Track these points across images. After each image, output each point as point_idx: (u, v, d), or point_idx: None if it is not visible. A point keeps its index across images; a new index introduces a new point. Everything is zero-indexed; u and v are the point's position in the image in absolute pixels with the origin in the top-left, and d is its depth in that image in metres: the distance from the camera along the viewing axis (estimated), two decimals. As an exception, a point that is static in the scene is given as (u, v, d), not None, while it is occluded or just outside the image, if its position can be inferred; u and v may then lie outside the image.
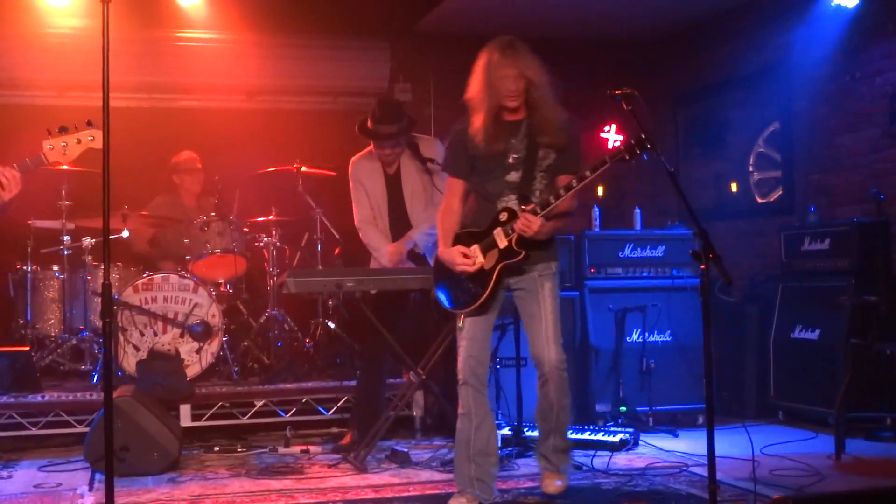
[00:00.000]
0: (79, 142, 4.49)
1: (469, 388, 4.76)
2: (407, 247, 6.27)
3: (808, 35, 7.55)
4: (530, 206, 4.62)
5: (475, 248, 4.70)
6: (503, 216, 4.68)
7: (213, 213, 7.41)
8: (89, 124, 4.47)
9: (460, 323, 4.80)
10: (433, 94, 9.06)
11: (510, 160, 4.71)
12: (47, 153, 4.48)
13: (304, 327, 7.78)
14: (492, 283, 4.68)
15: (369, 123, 6.23)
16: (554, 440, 4.93)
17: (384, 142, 6.21)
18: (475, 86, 4.70)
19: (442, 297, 4.85)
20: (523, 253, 4.68)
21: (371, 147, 6.37)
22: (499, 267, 4.68)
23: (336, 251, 7.97)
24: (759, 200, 8.22)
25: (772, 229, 7.65)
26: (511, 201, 4.72)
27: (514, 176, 4.73)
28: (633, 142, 4.48)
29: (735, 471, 5.33)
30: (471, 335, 4.76)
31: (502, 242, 4.67)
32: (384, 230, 6.38)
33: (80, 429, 6.40)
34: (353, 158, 6.48)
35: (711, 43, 8.71)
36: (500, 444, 5.98)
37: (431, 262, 6.26)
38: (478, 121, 4.68)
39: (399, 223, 6.37)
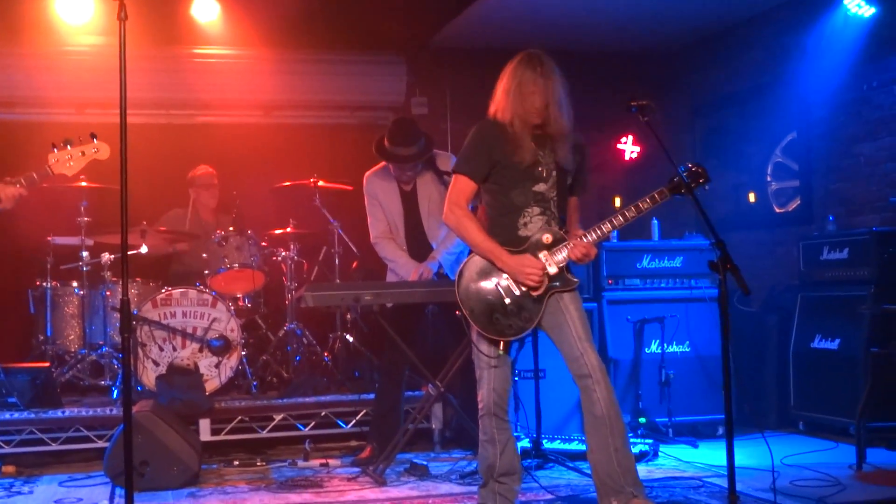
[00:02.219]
0: (83, 154, 4.63)
1: (492, 418, 4.62)
2: (433, 269, 6.23)
3: (825, 44, 7.54)
4: (580, 233, 4.53)
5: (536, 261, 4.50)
6: (548, 239, 4.53)
7: (231, 228, 7.44)
8: (93, 137, 4.60)
9: (500, 350, 4.58)
10: (449, 107, 9.08)
11: (540, 171, 4.56)
12: (52, 166, 4.64)
13: (323, 341, 7.78)
14: (543, 310, 4.52)
15: (386, 143, 6.20)
16: (617, 457, 4.45)
17: (402, 164, 6.20)
18: (502, 98, 4.57)
19: (479, 322, 4.54)
20: (577, 280, 4.59)
21: (385, 162, 6.38)
22: (550, 294, 4.53)
23: (354, 265, 7.99)
24: (778, 210, 8.19)
25: (790, 239, 7.63)
26: (535, 214, 4.57)
27: (541, 187, 4.57)
28: (690, 173, 4.50)
29: (755, 481, 5.31)
30: (494, 365, 4.59)
31: (553, 268, 4.52)
32: (401, 246, 6.39)
33: (101, 444, 6.44)
34: (368, 173, 6.47)
35: (729, 53, 8.71)
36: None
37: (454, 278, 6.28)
38: (510, 130, 4.53)
39: (416, 240, 6.37)
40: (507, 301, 4.53)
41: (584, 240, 4.53)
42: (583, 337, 4.52)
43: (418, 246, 6.37)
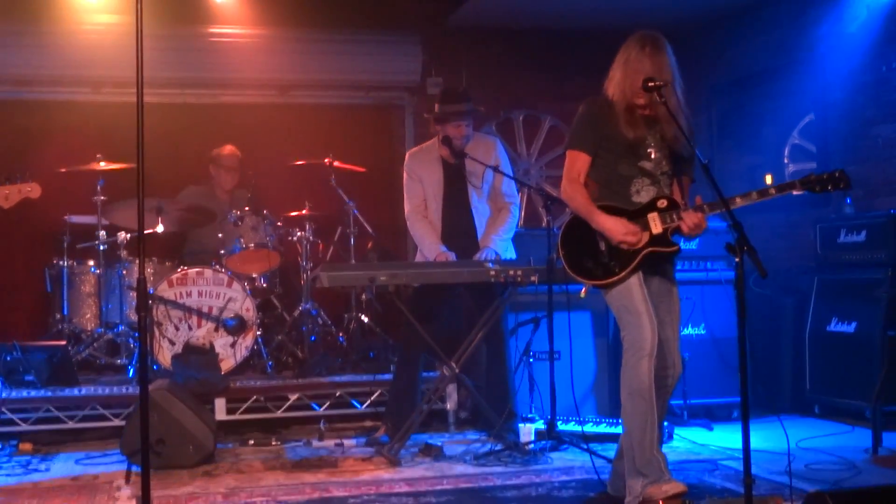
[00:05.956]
0: (20, 192, 5.35)
1: (653, 360, 4.49)
2: (486, 257, 6.19)
3: (843, 25, 7.48)
4: (699, 205, 4.51)
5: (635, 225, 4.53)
6: (662, 203, 4.55)
7: (246, 208, 7.44)
8: (29, 178, 5.34)
9: (582, 294, 4.75)
10: (465, 88, 9.03)
11: (646, 150, 4.59)
12: None
13: (338, 321, 7.80)
14: (633, 265, 4.53)
15: (437, 107, 6.35)
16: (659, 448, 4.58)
17: (459, 119, 6.27)
18: (613, 76, 4.61)
19: (568, 262, 4.62)
20: (677, 247, 4.60)
21: (428, 142, 6.48)
22: (646, 251, 4.54)
23: (369, 245, 8.00)
24: (795, 192, 8.13)
25: (807, 221, 7.57)
26: (645, 185, 4.60)
27: (646, 165, 4.60)
28: (829, 176, 4.50)
29: (770, 465, 5.31)
30: (648, 304, 4.54)
31: (656, 228, 4.54)
32: (435, 219, 6.38)
33: (117, 422, 6.46)
34: (410, 151, 6.62)
35: (746, 34, 8.64)
36: (533, 439, 6.01)
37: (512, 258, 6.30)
38: (617, 108, 4.56)
39: (454, 214, 6.37)
40: (603, 247, 4.57)
41: (700, 211, 4.50)
42: (677, 347, 4.68)
43: (455, 221, 6.37)
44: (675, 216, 4.53)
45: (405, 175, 6.47)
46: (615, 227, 4.52)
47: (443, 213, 6.38)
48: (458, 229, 6.34)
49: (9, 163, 6.83)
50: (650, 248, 4.55)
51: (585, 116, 4.70)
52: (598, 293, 4.77)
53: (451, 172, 6.39)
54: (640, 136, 4.58)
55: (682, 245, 6.97)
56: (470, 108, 6.33)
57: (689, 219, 4.50)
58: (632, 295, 4.53)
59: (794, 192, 4.60)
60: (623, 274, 4.53)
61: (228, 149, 8.04)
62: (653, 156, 4.60)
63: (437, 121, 6.36)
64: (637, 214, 4.57)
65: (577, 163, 4.67)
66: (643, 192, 4.60)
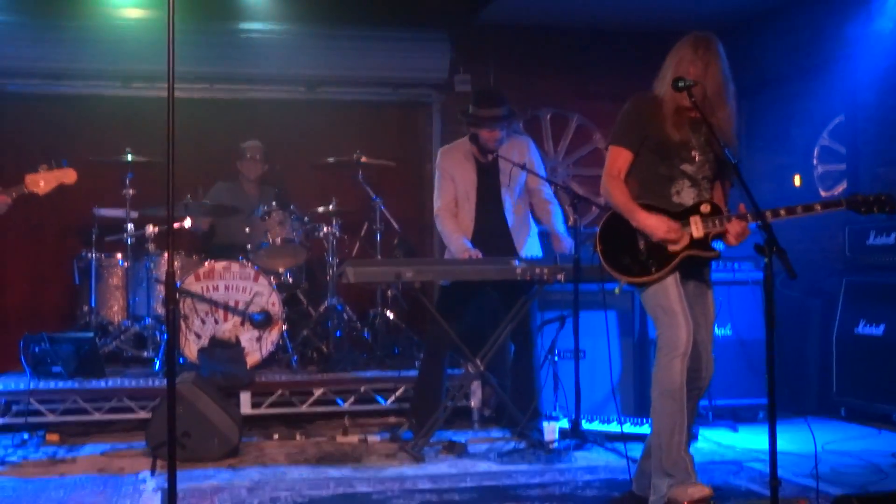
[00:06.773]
0: (56, 178, 5.56)
1: (686, 360, 4.47)
2: (567, 248, 6.23)
3: (874, 26, 7.42)
4: (742, 213, 4.48)
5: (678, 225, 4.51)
6: (706, 207, 4.53)
7: (273, 203, 7.47)
8: (63, 163, 5.57)
9: (616, 290, 4.73)
10: (493, 85, 9.02)
11: (689, 153, 4.57)
12: (27, 185, 5.56)
13: (363, 317, 7.82)
14: (671, 266, 4.50)
15: (471, 109, 6.29)
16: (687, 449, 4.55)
17: (491, 125, 6.21)
18: (664, 75, 4.55)
19: (605, 258, 4.59)
20: (717, 252, 4.58)
21: (460, 140, 6.45)
22: (685, 253, 4.52)
23: (395, 241, 8.00)
24: (823, 194, 8.10)
25: (836, 223, 7.52)
26: (686, 186, 4.57)
27: (687, 168, 4.58)
28: (876, 198, 4.48)
29: (795, 467, 5.28)
30: (684, 304, 4.51)
31: (698, 232, 4.51)
32: (467, 218, 6.37)
33: (143, 414, 6.51)
34: (443, 148, 6.58)
35: (775, 34, 8.59)
36: (557, 437, 6.00)
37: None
38: (666, 107, 4.52)
39: (487, 214, 6.36)
40: (642, 245, 4.55)
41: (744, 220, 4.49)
42: (710, 351, 4.64)
43: (489, 220, 6.36)
44: (717, 222, 4.51)
45: (437, 173, 6.46)
46: (657, 225, 4.48)
47: (476, 213, 6.36)
48: (492, 230, 6.33)
49: (40, 156, 6.87)
50: (689, 251, 4.52)
51: (631, 113, 4.65)
52: (627, 291, 4.76)
53: (484, 172, 6.37)
54: (685, 138, 4.54)
55: (713, 245, 6.99)
56: (506, 112, 6.26)
57: (734, 228, 4.48)
58: (668, 295, 4.50)
59: (837, 209, 4.53)
60: (660, 274, 4.51)
61: (251, 142, 8.11)
62: (696, 159, 4.57)
63: (471, 125, 6.32)
64: (679, 216, 4.54)
65: (619, 160, 4.63)
66: (683, 194, 4.57)
